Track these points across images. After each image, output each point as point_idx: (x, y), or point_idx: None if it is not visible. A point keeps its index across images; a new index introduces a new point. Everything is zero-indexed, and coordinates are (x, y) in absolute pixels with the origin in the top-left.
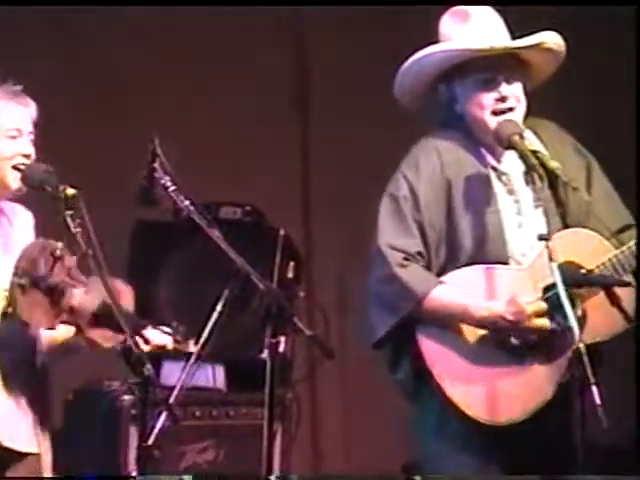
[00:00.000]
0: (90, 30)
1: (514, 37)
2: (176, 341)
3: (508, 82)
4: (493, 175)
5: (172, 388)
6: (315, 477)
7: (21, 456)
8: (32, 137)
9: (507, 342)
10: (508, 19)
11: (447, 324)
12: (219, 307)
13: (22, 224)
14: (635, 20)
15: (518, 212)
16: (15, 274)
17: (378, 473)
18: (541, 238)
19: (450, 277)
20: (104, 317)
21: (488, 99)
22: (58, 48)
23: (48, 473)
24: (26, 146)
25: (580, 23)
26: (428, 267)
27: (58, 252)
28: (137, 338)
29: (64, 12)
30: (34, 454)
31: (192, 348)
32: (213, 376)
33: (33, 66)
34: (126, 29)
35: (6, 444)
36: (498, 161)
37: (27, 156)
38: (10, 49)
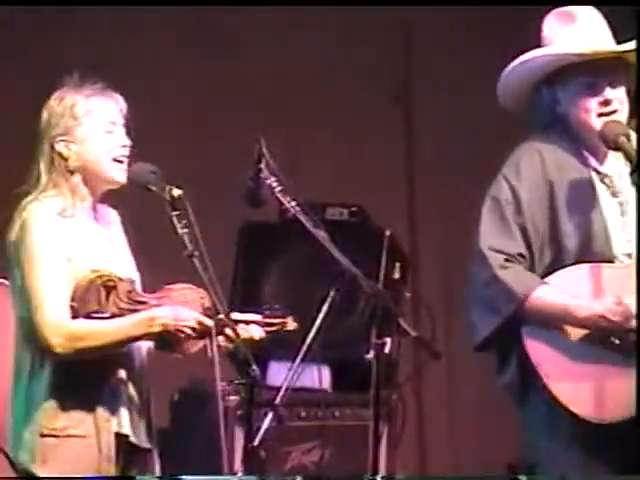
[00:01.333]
0: (211, 30)
1: (616, 38)
2: (268, 325)
3: (612, 86)
4: (596, 177)
5: (278, 389)
6: (421, 477)
7: (142, 452)
8: (125, 129)
9: (612, 340)
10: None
11: (550, 325)
12: (325, 308)
13: (114, 222)
14: (635, 20)
15: (622, 214)
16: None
17: (483, 473)
18: None
19: (554, 277)
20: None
21: (593, 103)
22: (170, 47)
23: (158, 468)
24: (122, 137)
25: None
26: (531, 269)
27: (111, 282)
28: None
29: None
30: (149, 450)
31: (291, 326)
32: (319, 377)
33: (145, 66)
34: (230, 32)
35: (131, 439)
36: (601, 163)
37: (125, 146)
38: (125, 52)
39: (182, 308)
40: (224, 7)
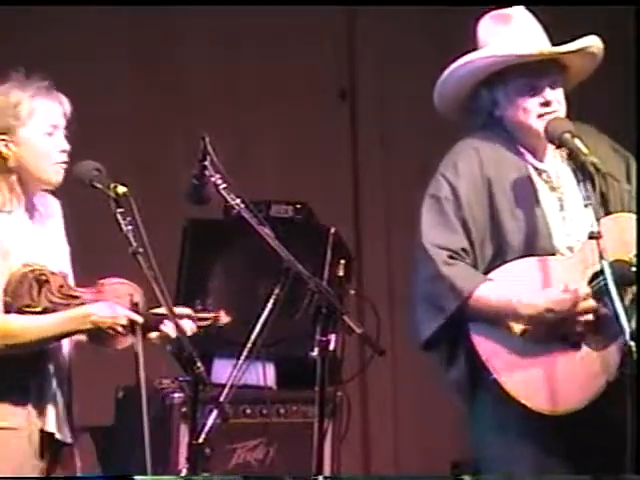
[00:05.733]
0: (149, 30)
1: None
2: (201, 319)
3: (552, 87)
4: (533, 173)
5: (223, 386)
6: (364, 477)
7: (66, 446)
8: (65, 132)
9: (561, 331)
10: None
11: (494, 322)
12: (270, 305)
13: (54, 213)
14: (635, 20)
15: (561, 208)
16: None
17: (427, 471)
18: (591, 237)
19: (502, 271)
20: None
21: (533, 104)
22: (118, 46)
23: (78, 463)
24: (62, 141)
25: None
26: (474, 265)
27: (43, 276)
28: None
29: (128, 12)
30: (70, 445)
31: (224, 320)
32: (264, 374)
33: (85, 66)
34: (176, 29)
35: (57, 436)
36: (538, 160)
37: (64, 151)
38: (70, 50)
39: (113, 305)
40: (163, 7)
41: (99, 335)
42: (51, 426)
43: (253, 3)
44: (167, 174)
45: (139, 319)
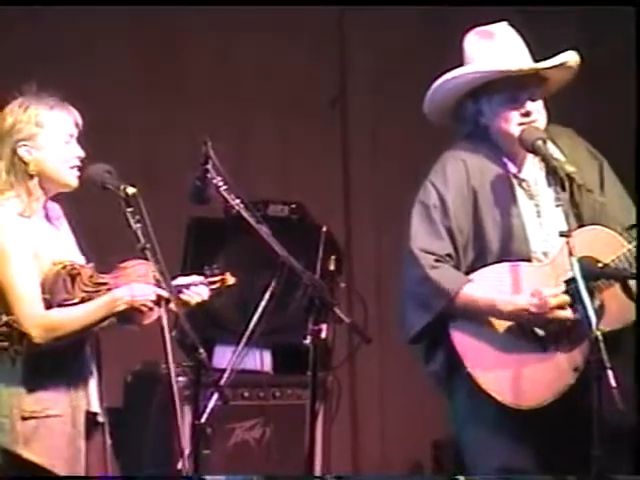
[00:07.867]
0: (149, 31)
1: (530, 50)
2: (211, 283)
3: (532, 99)
4: (515, 182)
5: (223, 371)
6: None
7: (98, 425)
8: (76, 140)
9: (533, 332)
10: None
11: (477, 318)
12: (267, 297)
13: (59, 215)
14: (635, 20)
15: (538, 215)
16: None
17: (412, 449)
18: (562, 234)
19: (478, 274)
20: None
21: (514, 114)
22: (120, 49)
23: (109, 441)
24: (77, 148)
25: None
26: (457, 267)
27: (75, 270)
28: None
29: (129, 13)
30: (102, 423)
31: (231, 281)
32: (261, 360)
33: (93, 67)
34: (178, 31)
35: (99, 418)
36: (519, 169)
37: (79, 157)
38: (76, 50)
39: (140, 284)
40: (161, 7)
41: (128, 315)
42: (95, 406)
43: (250, 3)
44: (173, 176)
45: (165, 294)
